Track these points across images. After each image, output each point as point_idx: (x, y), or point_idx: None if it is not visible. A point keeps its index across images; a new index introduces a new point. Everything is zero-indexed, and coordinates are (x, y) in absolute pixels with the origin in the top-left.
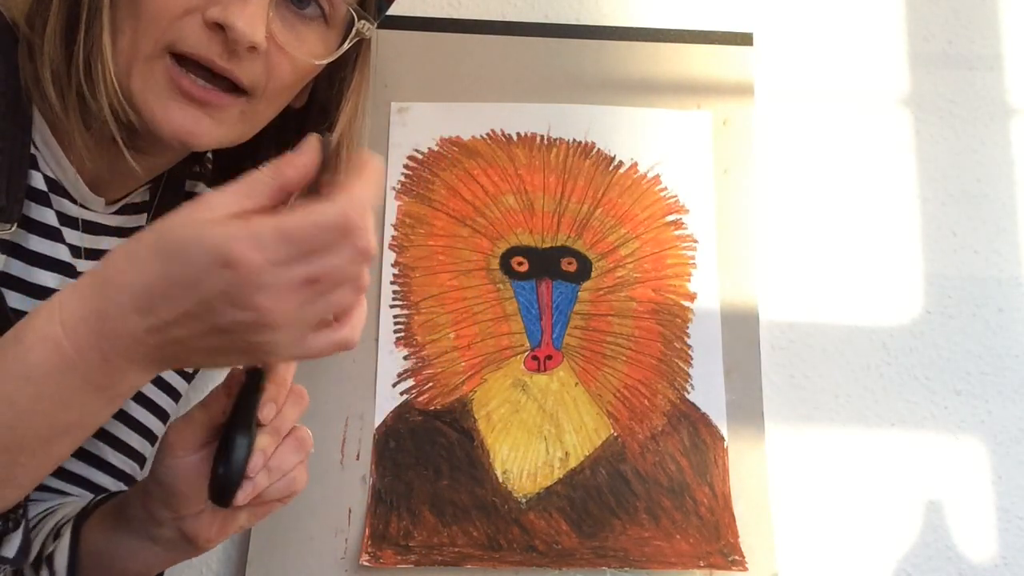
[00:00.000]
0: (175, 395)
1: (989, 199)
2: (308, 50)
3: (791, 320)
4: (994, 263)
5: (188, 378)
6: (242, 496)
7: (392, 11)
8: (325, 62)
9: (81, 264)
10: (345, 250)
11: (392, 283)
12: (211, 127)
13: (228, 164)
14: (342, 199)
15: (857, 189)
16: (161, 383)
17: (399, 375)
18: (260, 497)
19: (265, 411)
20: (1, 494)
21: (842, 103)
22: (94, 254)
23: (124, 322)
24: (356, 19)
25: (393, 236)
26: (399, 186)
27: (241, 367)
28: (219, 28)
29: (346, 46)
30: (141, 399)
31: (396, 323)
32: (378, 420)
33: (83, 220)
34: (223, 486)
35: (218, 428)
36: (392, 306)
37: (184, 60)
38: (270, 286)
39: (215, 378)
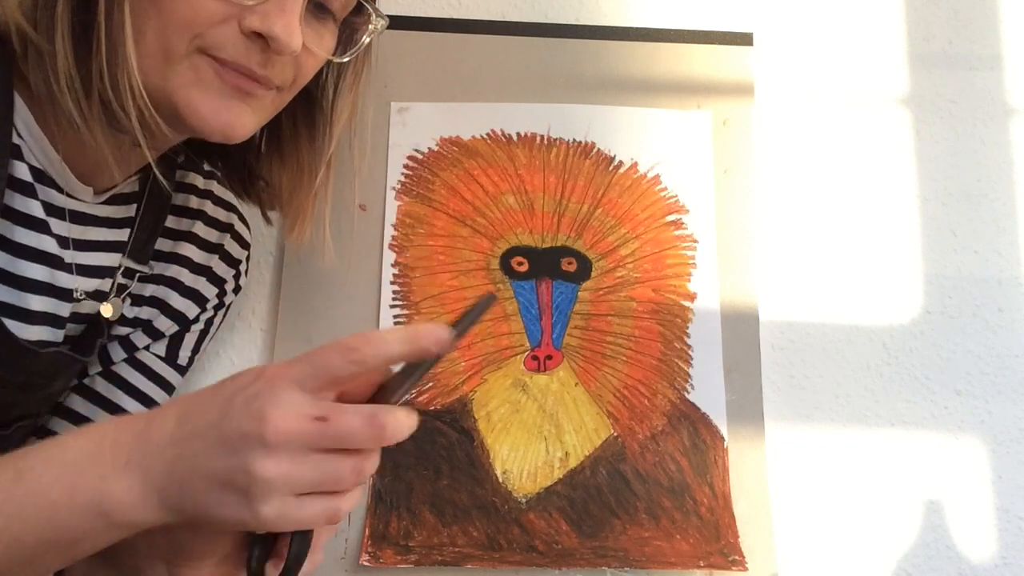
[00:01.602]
0: (169, 388)
1: (989, 199)
2: (327, 47)
3: (791, 320)
4: (994, 263)
5: (181, 371)
6: None
7: (392, 11)
8: (346, 59)
9: (68, 255)
10: (368, 436)
11: (392, 283)
12: (250, 118)
13: (206, 148)
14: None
15: (857, 189)
16: (152, 375)
17: None
18: None
19: None
20: None
21: (842, 103)
22: (82, 244)
23: (162, 428)
24: (374, 16)
25: (393, 236)
26: (399, 186)
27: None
28: (257, 36)
29: (366, 40)
30: (134, 392)
31: (396, 323)
32: None
33: (70, 210)
34: None
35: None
36: (392, 306)
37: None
38: (286, 404)
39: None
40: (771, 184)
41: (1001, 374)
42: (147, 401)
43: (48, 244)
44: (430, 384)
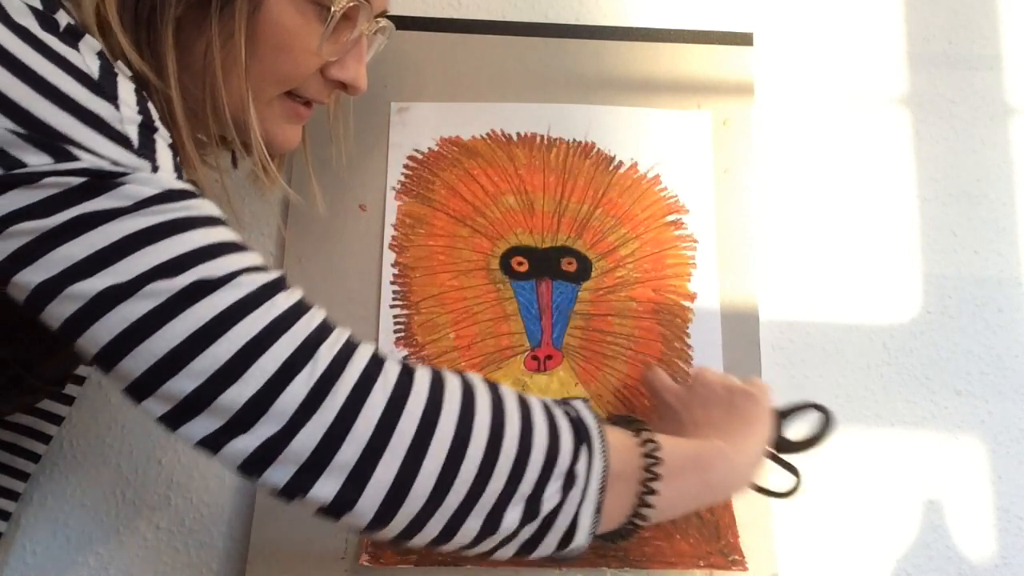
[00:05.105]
0: (57, 420)
1: (989, 199)
2: None
3: (791, 320)
4: (994, 263)
5: (68, 401)
6: None
7: (392, 11)
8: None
9: None
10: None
11: (392, 283)
12: None
13: None
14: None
15: (857, 189)
16: (41, 412)
17: None
18: None
19: None
20: None
21: (842, 103)
22: None
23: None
24: None
25: (393, 236)
26: (399, 186)
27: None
28: (339, 82)
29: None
30: (24, 431)
31: (396, 323)
32: None
33: None
34: None
35: None
36: (392, 306)
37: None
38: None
39: None
40: (771, 184)
41: (1001, 374)
42: (39, 436)
43: None
44: None
